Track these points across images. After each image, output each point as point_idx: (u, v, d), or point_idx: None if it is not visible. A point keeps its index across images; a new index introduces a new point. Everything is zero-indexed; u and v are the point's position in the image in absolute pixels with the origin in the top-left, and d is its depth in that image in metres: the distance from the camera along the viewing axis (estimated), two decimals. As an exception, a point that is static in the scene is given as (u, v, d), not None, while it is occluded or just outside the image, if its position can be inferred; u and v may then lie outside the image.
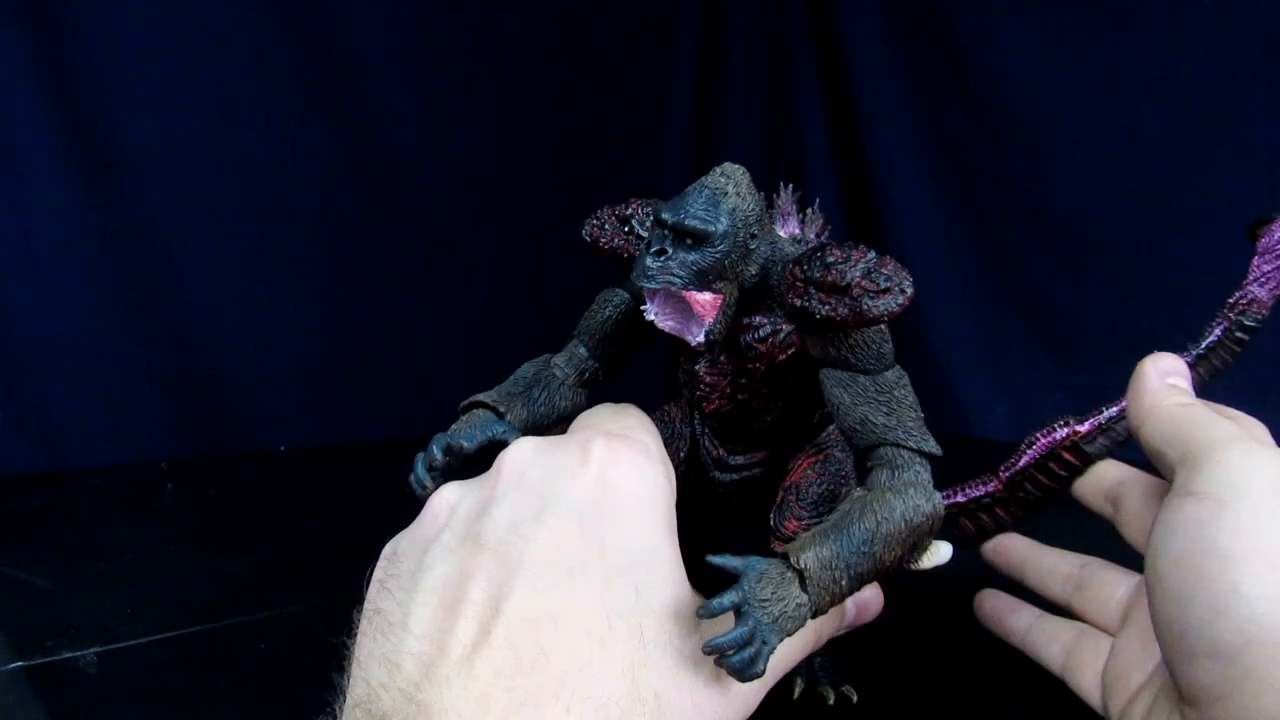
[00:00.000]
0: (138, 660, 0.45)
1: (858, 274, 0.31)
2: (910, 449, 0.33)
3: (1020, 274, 1.03)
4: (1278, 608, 0.28)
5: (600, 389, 0.40)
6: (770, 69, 1.23)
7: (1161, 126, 0.91)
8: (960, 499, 0.46)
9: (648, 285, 0.32)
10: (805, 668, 0.40)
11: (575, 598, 0.26)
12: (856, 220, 1.17)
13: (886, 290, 0.31)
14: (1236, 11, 0.86)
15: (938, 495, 0.33)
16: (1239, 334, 0.43)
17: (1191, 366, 0.42)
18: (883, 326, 0.34)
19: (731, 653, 0.27)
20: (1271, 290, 0.41)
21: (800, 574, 0.29)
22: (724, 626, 0.28)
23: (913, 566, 0.33)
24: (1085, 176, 0.97)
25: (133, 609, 0.51)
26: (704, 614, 0.27)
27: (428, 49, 0.99)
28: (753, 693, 0.30)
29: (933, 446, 0.34)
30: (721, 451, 0.40)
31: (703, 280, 0.31)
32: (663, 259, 0.31)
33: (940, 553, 0.35)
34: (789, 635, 0.28)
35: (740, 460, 0.40)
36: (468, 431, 0.36)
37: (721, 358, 0.35)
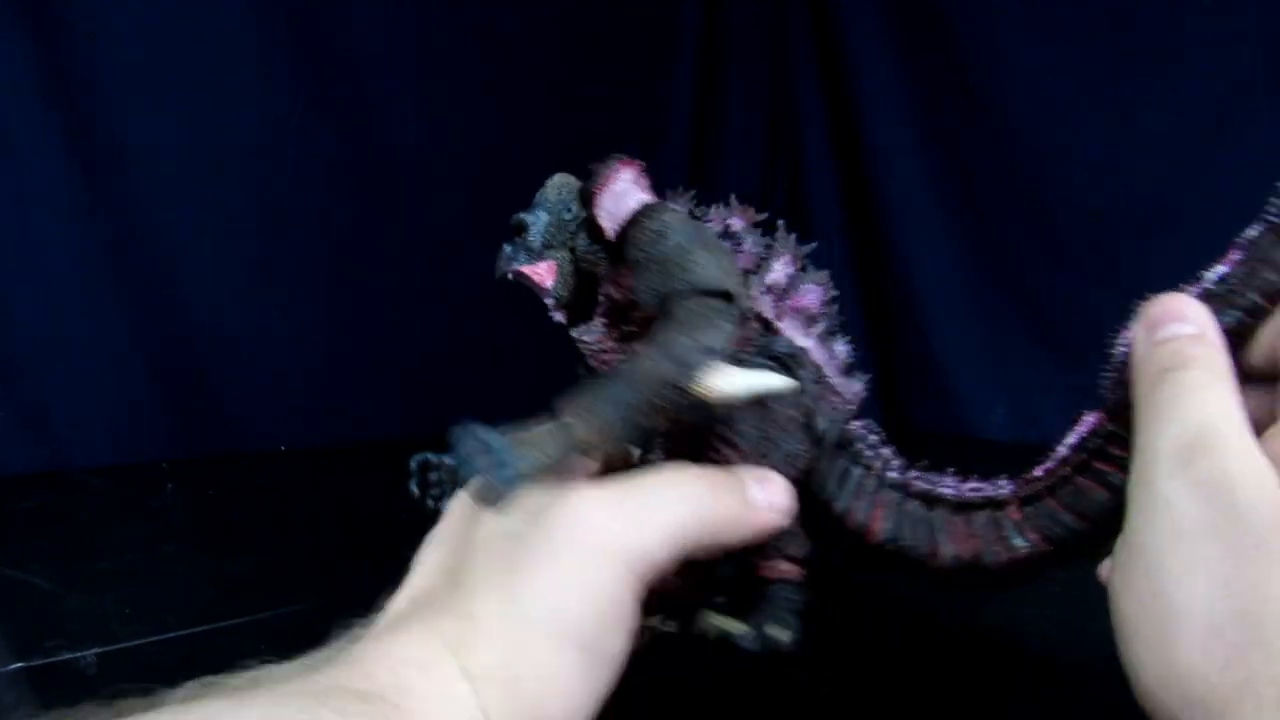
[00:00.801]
0: (137, 661, 0.45)
1: (591, 184, 0.37)
2: (687, 291, 0.33)
3: (1020, 274, 1.03)
4: (1161, 696, 0.24)
5: None
6: (770, 69, 1.23)
7: (1161, 126, 0.91)
8: (1064, 452, 0.35)
9: (496, 276, 0.38)
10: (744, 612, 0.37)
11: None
12: (856, 220, 1.17)
13: (597, 169, 0.36)
14: (1236, 11, 0.86)
15: (713, 321, 0.32)
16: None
17: (1213, 296, 0.31)
18: (661, 218, 0.35)
19: (472, 475, 0.29)
20: None
21: (551, 411, 0.31)
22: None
23: (701, 393, 0.31)
24: (1085, 176, 0.97)
25: (132, 609, 0.51)
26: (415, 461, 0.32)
27: (428, 49, 0.99)
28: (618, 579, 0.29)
29: (721, 284, 0.33)
30: None
31: (532, 255, 0.38)
32: (501, 253, 0.38)
33: (747, 379, 0.32)
34: (544, 461, 0.29)
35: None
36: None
37: (594, 320, 0.38)
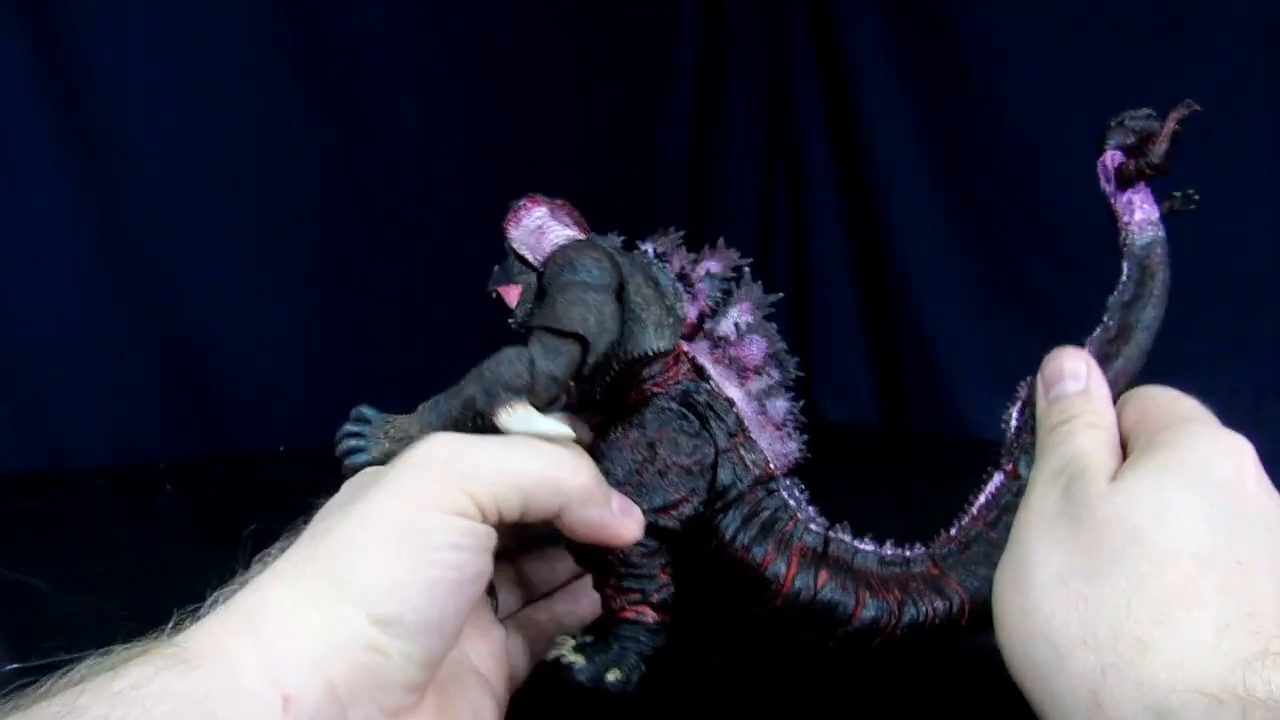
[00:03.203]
0: (135, 661, 0.45)
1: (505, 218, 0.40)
2: (540, 327, 0.35)
3: (1020, 273, 1.03)
4: (1016, 638, 0.31)
5: None
6: (770, 69, 1.23)
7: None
8: (974, 510, 0.38)
9: (488, 292, 0.41)
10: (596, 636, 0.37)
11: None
12: (856, 220, 1.17)
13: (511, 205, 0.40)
14: (1236, 11, 0.86)
15: (527, 357, 0.34)
16: (1142, 263, 0.39)
17: (1108, 344, 0.38)
18: (569, 255, 0.37)
19: (339, 442, 0.37)
20: (1143, 207, 0.40)
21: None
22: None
23: (494, 419, 0.34)
24: (1085, 176, 0.96)
25: (130, 610, 0.51)
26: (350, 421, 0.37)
27: (428, 49, 0.99)
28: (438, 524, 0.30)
29: (570, 325, 0.35)
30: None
31: (509, 276, 0.41)
32: (493, 272, 0.41)
33: (530, 422, 0.33)
34: (389, 449, 0.36)
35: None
36: None
37: None
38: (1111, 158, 0.40)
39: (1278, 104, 0.86)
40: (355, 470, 0.36)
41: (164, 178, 0.86)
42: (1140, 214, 0.40)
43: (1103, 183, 0.41)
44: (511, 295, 0.40)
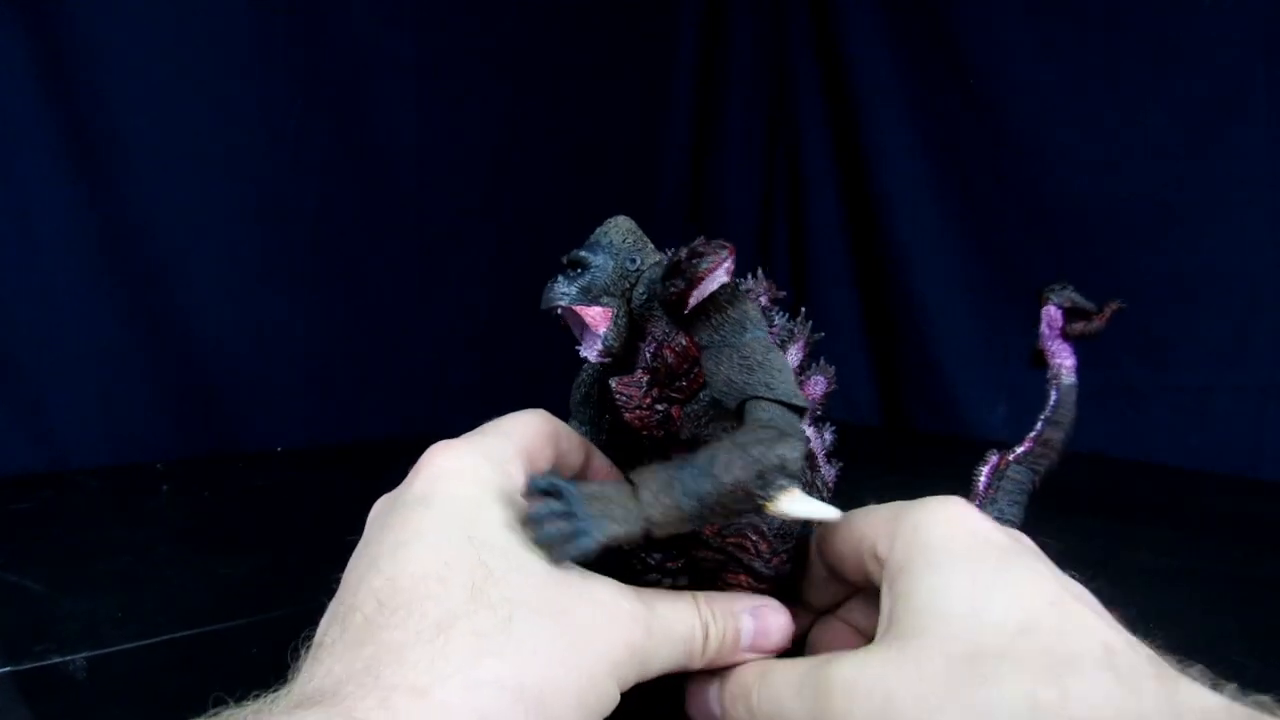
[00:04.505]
0: (128, 665, 0.45)
1: (685, 253, 0.35)
2: (769, 399, 0.34)
3: (1020, 273, 1.02)
4: None
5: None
6: (770, 69, 1.23)
7: (1161, 126, 0.91)
8: (980, 488, 0.46)
9: (544, 306, 0.38)
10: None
11: (414, 559, 0.31)
12: (856, 220, 1.17)
13: (705, 254, 0.34)
14: (1236, 12, 0.86)
15: (794, 442, 0.33)
16: (1065, 397, 0.48)
17: (1041, 445, 0.47)
18: (743, 307, 0.36)
19: (545, 525, 0.31)
20: (1071, 356, 0.48)
21: (634, 485, 0.32)
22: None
23: (769, 507, 0.32)
24: (1085, 176, 0.97)
25: (124, 612, 0.51)
26: (524, 492, 0.33)
27: (428, 49, 0.99)
28: (628, 621, 0.32)
29: (798, 400, 0.34)
30: None
31: (588, 295, 0.37)
32: (555, 285, 0.38)
33: (810, 506, 0.33)
34: (617, 533, 0.31)
35: None
36: None
37: (636, 373, 0.39)
38: (1055, 311, 0.48)
39: (1278, 103, 0.85)
40: (565, 555, 0.32)
41: (164, 178, 0.86)
42: (1070, 361, 0.48)
43: (1044, 327, 0.48)
44: (593, 317, 0.37)
